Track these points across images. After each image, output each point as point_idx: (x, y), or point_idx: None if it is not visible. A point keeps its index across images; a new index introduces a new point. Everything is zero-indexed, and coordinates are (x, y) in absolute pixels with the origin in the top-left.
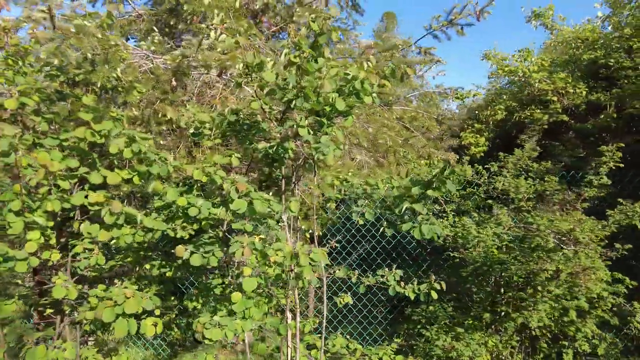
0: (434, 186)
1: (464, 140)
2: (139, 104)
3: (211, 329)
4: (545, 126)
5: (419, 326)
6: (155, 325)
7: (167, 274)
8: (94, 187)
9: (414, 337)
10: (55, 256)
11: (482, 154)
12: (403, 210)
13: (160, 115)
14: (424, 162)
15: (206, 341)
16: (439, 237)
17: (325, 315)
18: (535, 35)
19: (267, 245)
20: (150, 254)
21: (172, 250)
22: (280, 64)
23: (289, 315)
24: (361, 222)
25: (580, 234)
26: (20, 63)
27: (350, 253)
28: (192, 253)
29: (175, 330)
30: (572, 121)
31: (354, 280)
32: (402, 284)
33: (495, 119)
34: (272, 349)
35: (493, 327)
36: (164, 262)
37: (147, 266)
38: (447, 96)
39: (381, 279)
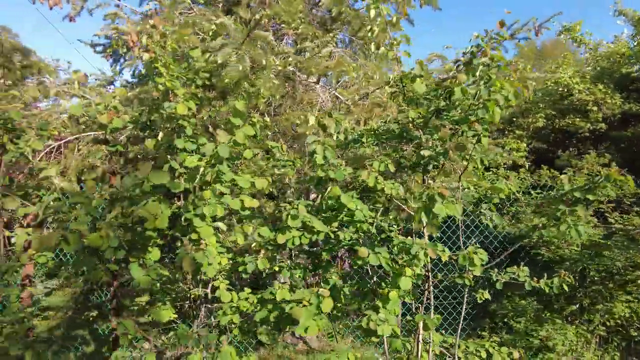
0: (594, 191)
1: (507, 146)
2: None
3: (382, 325)
4: (587, 134)
5: (505, 319)
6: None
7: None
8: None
9: (495, 330)
10: (224, 260)
11: (524, 159)
12: (565, 212)
13: (295, 121)
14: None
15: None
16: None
17: (464, 314)
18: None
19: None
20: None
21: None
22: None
23: (422, 311)
24: (491, 225)
25: None
26: (172, 68)
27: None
28: (368, 254)
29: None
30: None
31: (494, 277)
32: (535, 279)
33: (536, 127)
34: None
35: (569, 318)
36: (293, 265)
37: (276, 267)
38: None
39: (513, 276)
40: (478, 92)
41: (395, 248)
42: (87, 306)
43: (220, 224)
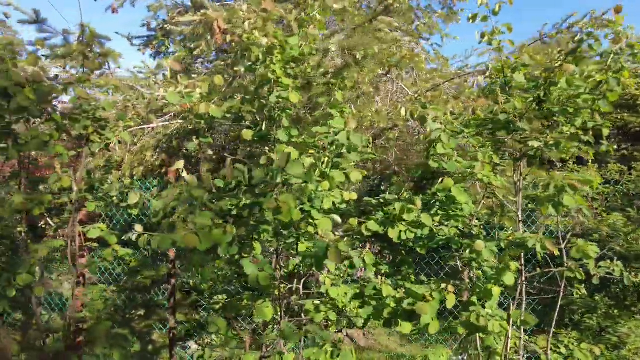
0: None
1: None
2: None
3: (492, 321)
4: (638, 129)
5: (574, 315)
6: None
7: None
8: None
9: (560, 326)
10: None
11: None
12: None
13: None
14: None
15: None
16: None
17: (557, 310)
18: None
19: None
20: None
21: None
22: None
23: (514, 307)
24: (582, 218)
25: None
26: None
27: None
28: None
29: None
30: None
31: (591, 272)
32: (633, 274)
33: None
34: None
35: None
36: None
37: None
38: None
39: (607, 270)
40: (608, 81)
41: (504, 242)
42: (134, 305)
43: (335, 216)
